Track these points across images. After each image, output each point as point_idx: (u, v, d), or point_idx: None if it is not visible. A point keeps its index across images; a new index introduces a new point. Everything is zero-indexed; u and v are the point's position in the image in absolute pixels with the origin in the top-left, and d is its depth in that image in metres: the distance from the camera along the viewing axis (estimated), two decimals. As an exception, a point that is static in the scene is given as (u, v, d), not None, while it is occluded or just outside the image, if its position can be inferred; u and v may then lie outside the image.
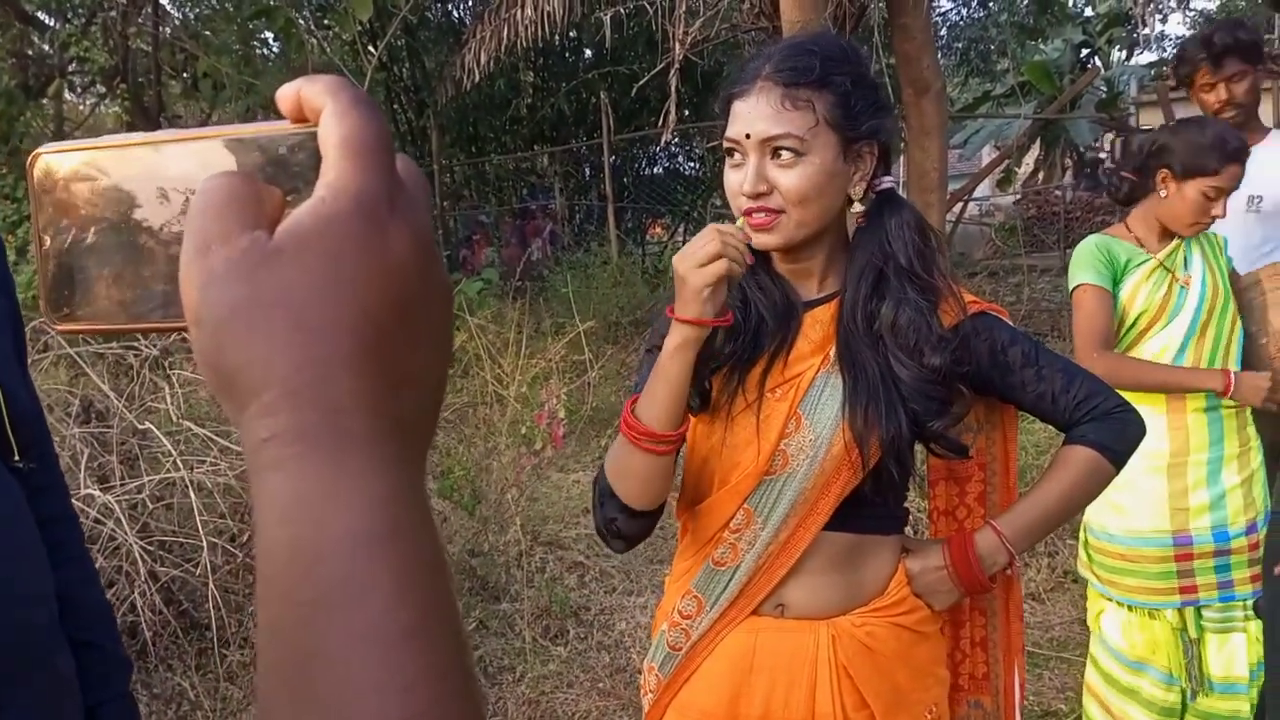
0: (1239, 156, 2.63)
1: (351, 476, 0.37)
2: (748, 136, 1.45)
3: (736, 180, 1.48)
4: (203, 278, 0.39)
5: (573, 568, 4.66)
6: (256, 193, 0.41)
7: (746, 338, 1.52)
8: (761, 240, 1.48)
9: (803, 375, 1.51)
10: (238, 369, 0.38)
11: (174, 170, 0.45)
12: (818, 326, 1.54)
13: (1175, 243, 2.71)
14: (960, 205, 11.55)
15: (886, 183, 1.55)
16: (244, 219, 0.40)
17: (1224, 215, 2.64)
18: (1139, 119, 13.87)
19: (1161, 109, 9.24)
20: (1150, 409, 2.64)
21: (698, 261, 1.36)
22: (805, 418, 1.49)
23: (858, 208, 1.53)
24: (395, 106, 13.80)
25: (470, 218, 13.94)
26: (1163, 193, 2.66)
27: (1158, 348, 2.68)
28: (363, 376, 0.38)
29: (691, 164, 14.77)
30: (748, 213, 1.47)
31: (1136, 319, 2.68)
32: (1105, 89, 18.34)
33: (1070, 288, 2.74)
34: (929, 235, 1.55)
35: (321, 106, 0.42)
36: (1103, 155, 17.19)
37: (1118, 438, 1.57)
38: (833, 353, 1.51)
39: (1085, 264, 2.70)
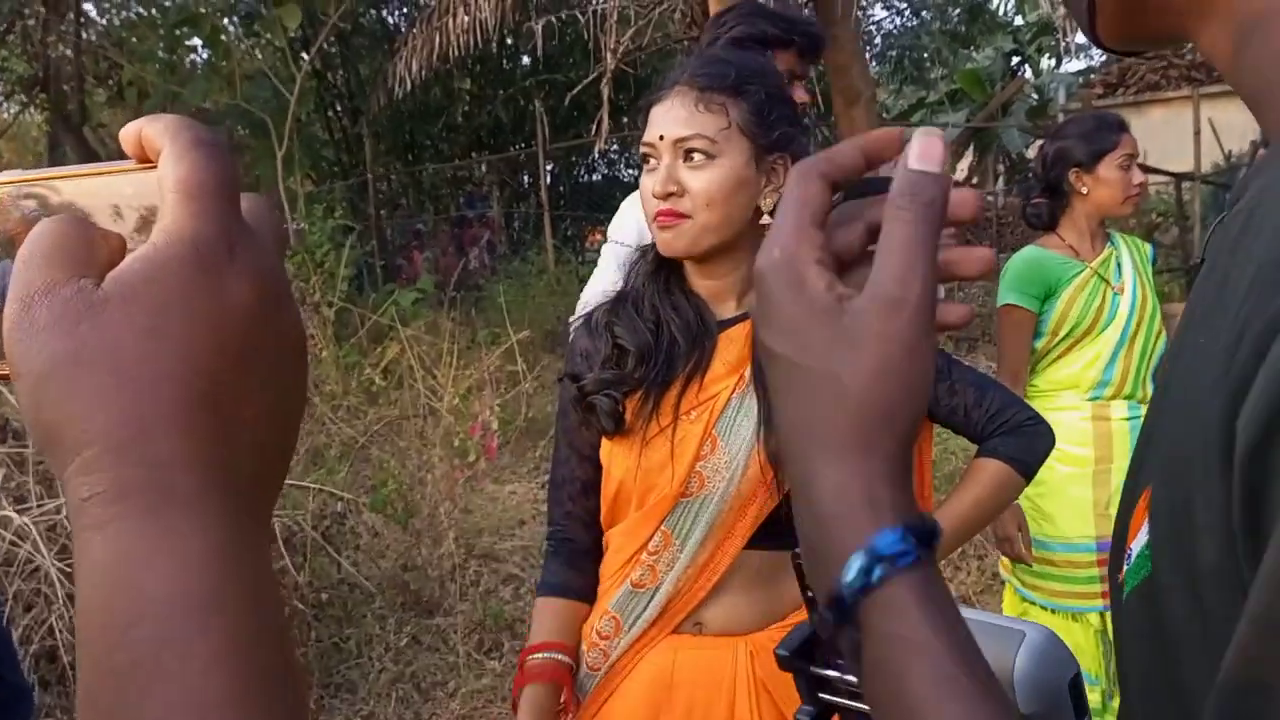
0: (1123, 124, 2.81)
1: (174, 537, 0.36)
2: (661, 138, 1.48)
3: (649, 185, 1.49)
4: (23, 330, 0.38)
5: (508, 580, 4.63)
6: (88, 238, 0.39)
7: (659, 360, 1.51)
8: (667, 242, 1.49)
9: (718, 397, 1.51)
10: (58, 425, 0.37)
11: (14, 213, 0.43)
12: (733, 346, 1.53)
13: (1108, 250, 2.80)
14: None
15: None
16: (71, 266, 0.38)
17: (1145, 181, 2.78)
18: (1066, 126, 14.16)
19: (1086, 117, 9.43)
20: (1076, 414, 2.71)
21: None
22: (720, 439, 1.49)
23: (767, 220, 1.53)
24: (329, 114, 13.63)
25: (406, 226, 13.81)
26: (1083, 190, 2.76)
27: (1090, 357, 2.74)
28: (191, 431, 0.37)
29: (631, 171, 14.78)
30: (657, 215, 1.48)
31: (1071, 330, 2.74)
32: (1036, 96, 18.70)
33: (999, 304, 2.80)
34: None
35: (161, 147, 0.40)
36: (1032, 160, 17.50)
37: (1027, 450, 1.60)
38: (748, 373, 1.51)
39: (1014, 283, 2.77)
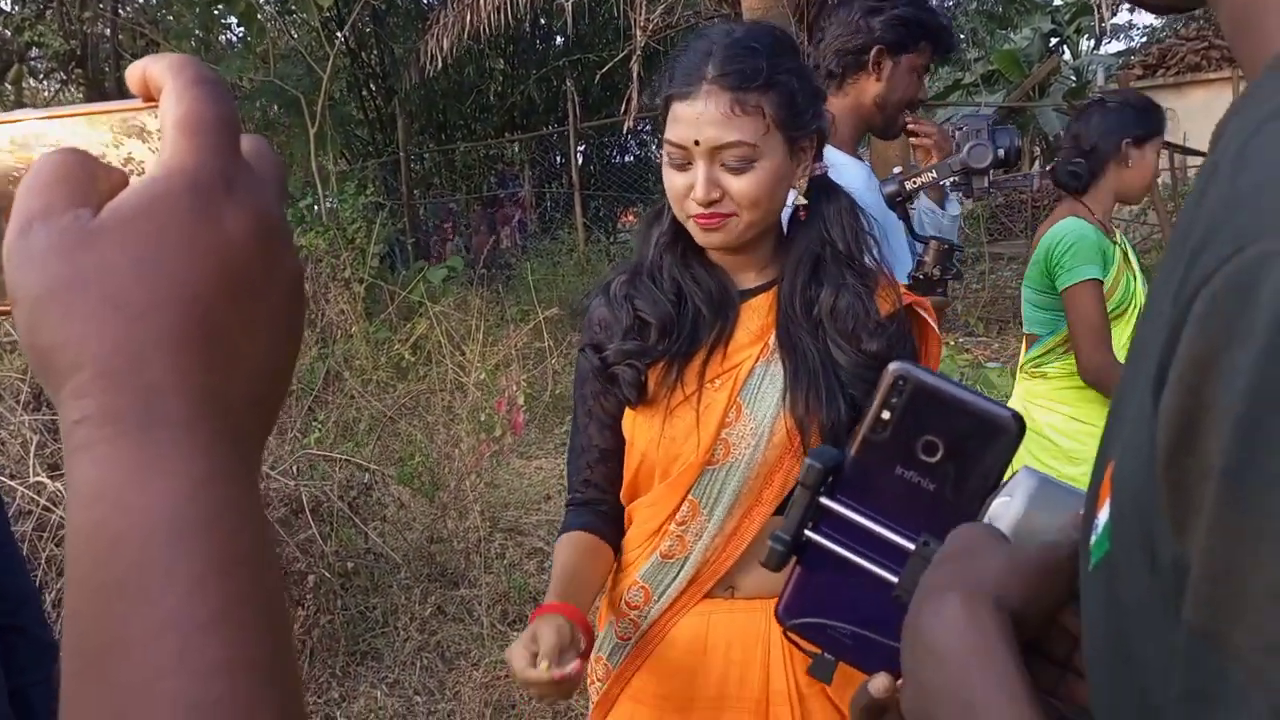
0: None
1: (161, 460, 0.36)
2: (696, 143, 1.43)
3: (682, 183, 1.46)
4: (21, 255, 0.38)
5: (532, 554, 4.66)
6: (89, 170, 0.40)
7: (683, 332, 1.51)
8: (711, 240, 1.48)
9: (741, 365, 1.51)
10: (53, 349, 0.38)
11: (26, 149, 0.44)
12: (755, 316, 1.53)
13: (1118, 231, 2.79)
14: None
15: (820, 169, 1.55)
16: (70, 196, 0.39)
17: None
18: (1104, 108, 13.95)
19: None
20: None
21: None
22: (745, 407, 1.50)
23: (793, 196, 1.53)
24: (363, 93, 13.70)
25: (438, 205, 13.88)
26: (1130, 162, 2.71)
27: (1125, 340, 2.69)
28: (183, 358, 0.38)
29: (660, 151, 14.76)
30: (697, 217, 1.46)
31: (1113, 310, 2.69)
32: (1074, 78, 18.45)
33: (1073, 280, 2.68)
34: (864, 221, 1.56)
35: (163, 85, 0.41)
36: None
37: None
38: (772, 340, 1.51)
39: (1091, 256, 2.67)
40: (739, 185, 1.43)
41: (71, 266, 0.37)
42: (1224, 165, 0.38)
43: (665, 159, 1.50)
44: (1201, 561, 0.33)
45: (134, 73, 0.43)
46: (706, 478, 1.50)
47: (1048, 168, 2.82)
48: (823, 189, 1.55)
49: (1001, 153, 2.25)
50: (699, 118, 1.42)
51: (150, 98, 0.42)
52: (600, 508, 1.62)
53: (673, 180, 1.48)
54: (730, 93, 1.41)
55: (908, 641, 0.54)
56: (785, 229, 1.57)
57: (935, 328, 1.62)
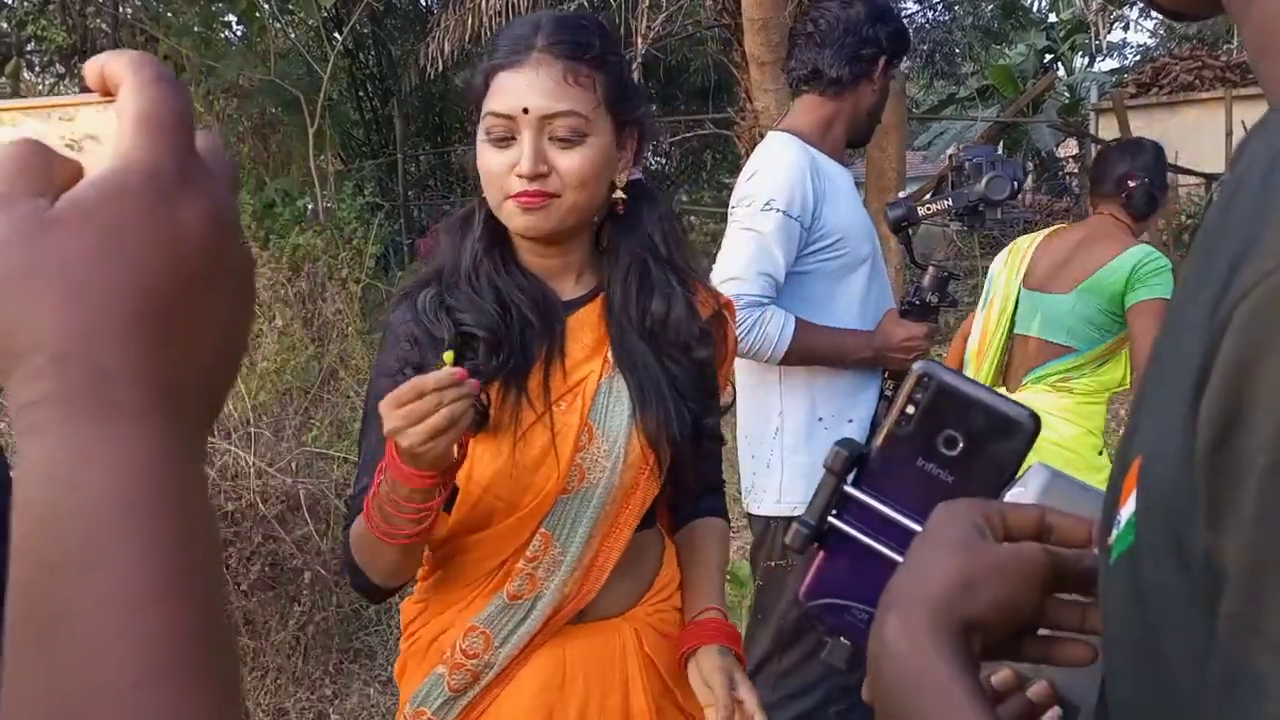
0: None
1: (112, 443, 0.37)
2: (525, 111, 1.33)
3: (503, 161, 1.35)
4: None
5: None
6: (47, 161, 0.41)
7: (514, 345, 1.38)
8: (531, 222, 1.36)
9: (585, 382, 1.41)
10: (8, 333, 0.38)
11: None
12: (586, 329, 1.44)
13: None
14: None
15: (635, 174, 1.48)
16: (29, 186, 0.40)
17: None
18: (1097, 125, 14.07)
19: (1116, 116, 9.39)
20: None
21: (424, 438, 1.13)
22: (596, 427, 1.39)
23: (620, 194, 1.45)
24: (360, 94, 13.71)
25: (434, 207, 13.89)
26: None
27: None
28: (135, 346, 0.39)
29: (658, 159, 14.80)
30: (518, 195, 1.35)
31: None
32: (1068, 95, 18.58)
33: (1150, 295, 2.72)
34: (680, 225, 1.53)
35: (122, 81, 0.42)
36: (1062, 158, 17.39)
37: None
38: (610, 355, 1.43)
39: (1166, 277, 2.74)
40: (567, 162, 1.34)
41: (30, 253, 0.38)
42: (1250, 183, 0.41)
43: (483, 137, 1.38)
44: (1241, 554, 0.36)
45: (93, 68, 0.43)
46: (560, 507, 1.38)
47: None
48: (643, 195, 1.48)
49: (1016, 184, 2.32)
50: (529, 86, 1.33)
51: (107, 92, 0.43)
52: None
53: (491, 159, 1.36)
54: (563, 61, 1.34)
55: (870, 642, 0.57)
56: (609, 233, 1.49)
57: (734, 330, 1.60)
